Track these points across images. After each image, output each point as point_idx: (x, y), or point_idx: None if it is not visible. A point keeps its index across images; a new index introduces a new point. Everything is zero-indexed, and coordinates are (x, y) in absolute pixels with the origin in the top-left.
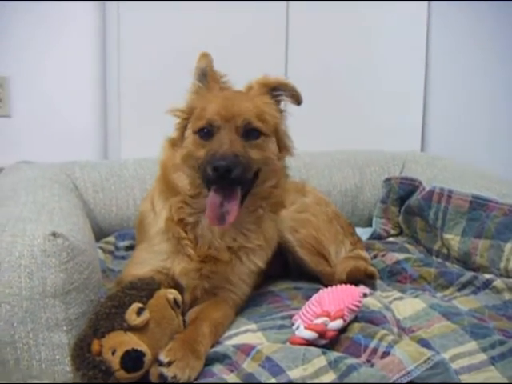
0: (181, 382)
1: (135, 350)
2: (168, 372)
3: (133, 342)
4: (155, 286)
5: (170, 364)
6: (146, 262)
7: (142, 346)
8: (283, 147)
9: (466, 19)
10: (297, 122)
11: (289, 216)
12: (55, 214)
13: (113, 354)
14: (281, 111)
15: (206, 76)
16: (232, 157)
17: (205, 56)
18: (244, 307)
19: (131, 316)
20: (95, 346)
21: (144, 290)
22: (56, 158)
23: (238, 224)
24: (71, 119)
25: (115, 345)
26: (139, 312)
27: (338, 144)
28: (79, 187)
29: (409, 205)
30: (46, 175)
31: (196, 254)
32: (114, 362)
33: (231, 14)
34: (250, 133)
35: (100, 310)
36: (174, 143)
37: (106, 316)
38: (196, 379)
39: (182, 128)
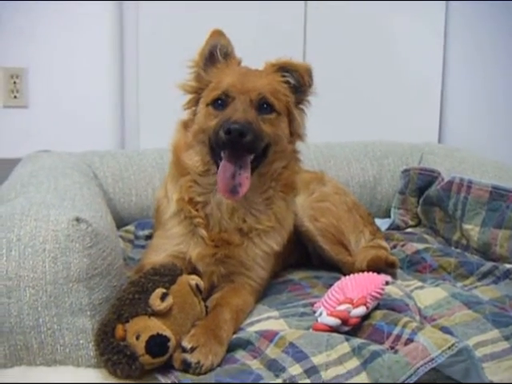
0: (204, 367)
1: (160, 335)
2: (191, 358)
3: (157, 326)
4: (178, 272)
5: (193, 350)
6: (162, 247)
7: (166, 331)
8: (294, 132)
9: (484, 11)
10: (316, 113)
11: (309, 205)
12: (77, 200)
13: (137, 338)
14: (291, 93)
15: (227, 54)
16: (245, 122)
17: (219, 34)
18: (264, 295)
19: (155, 301)
20: (119, 330)
21: (166, 275)
22: (73, 148)
23: (248, 204)
24: (88, 110)
25: (139, 330)
26: (163, 297)
27: (355, 135)
28: (99, 176)
29: (428, 195)
30: (67, 164)
31: (209, 238)
32: (139, 346)
33: (249, 12)
34: (263, 107)
35: (123, 296)
36: (187, 124)
37: (130, 301)
38: (219, 365)
39: (193, 105)
